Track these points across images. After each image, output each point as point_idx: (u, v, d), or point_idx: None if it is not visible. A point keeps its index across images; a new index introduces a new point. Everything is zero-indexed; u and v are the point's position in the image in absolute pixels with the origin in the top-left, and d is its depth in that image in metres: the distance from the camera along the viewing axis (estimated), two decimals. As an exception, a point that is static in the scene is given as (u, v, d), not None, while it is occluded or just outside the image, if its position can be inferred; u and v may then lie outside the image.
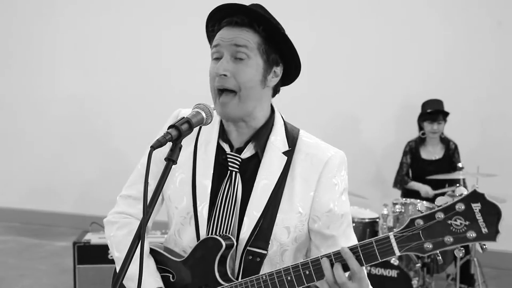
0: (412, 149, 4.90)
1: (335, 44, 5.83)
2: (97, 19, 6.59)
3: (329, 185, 1.58)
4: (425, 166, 4.77)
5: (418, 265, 3.99)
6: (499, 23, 5.39)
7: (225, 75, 1.51)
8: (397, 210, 4.12)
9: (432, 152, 4.82)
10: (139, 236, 1.23)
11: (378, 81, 5.73)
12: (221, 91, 1.53)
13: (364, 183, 5.62)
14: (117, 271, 1.69)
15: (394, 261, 3.84)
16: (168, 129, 1.32)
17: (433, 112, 4.69)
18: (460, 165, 4.36)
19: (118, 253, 1.68)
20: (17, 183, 7.00)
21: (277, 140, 1.60)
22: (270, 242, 1.55)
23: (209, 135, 1.64)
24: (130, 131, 6.40)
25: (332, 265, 1.36)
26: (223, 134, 1.63)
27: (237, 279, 1.55)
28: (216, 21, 1.57)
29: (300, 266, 1.41)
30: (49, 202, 6.86)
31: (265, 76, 1.56)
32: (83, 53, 6.70)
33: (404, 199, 4.31)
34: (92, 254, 3.88)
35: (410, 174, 4.95)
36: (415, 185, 4.80)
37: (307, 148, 1.61)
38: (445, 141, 4.83)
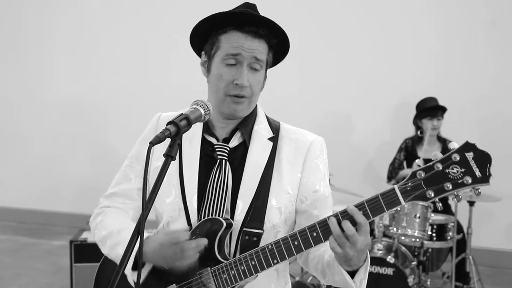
0: (408, 147, 4.92)
1: (328, 43, 5.84)
2: (95, 19, 6.60)
3: (314, 166, 1.67)
4: (421, 164, 4.79)
5: (414, 263, 4.01)
6: (494, 23, 5.42)
7: (247, 86, 1.59)
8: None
9: (428, 150, 4.83)
10: (139, 231, 1.24)
11: (372, 80, 5.75)
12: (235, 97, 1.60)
13: (359, 181, 5.65)
14: (102, 251, 1.68)
15: (390, 259, 3.86)
16: (167, 125, 1.33)
17: (432, 108, 4.72)
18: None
19: (104, 231, 1.68)
20: (14, 182, 6.99)
21: (261, 128, 1.69)
22: (264, 222, 1.60)
23: (192, 129, 1.64)
24: (127, 130, 6.38)
25: (339, 222, 1.42)
26: (207, 129, 1.69)
27: None
28: (233, 24, 1.58)
29: (307, 229, 1.46)
30: (46, 201, 6.86)
31: (264, 81, 1.69)
32: (82, 54, 6.69)
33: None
34: (89, 252, 3.88)
35: (405, 172, 4.98)
36: (404, 172, 4.83)
37: (289, 134, 1.71)
38: (441, 140, 4.85)
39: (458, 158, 1.35)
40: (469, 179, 1.34)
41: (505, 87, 5.45)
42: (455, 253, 4.27)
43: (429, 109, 4.73)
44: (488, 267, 5.26)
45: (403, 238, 4.10)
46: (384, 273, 3.88)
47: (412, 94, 5.23)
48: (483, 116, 5.53)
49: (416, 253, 4.17)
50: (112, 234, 1.65)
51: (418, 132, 4.86)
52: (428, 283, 4.20)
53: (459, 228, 4.50)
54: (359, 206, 1.42)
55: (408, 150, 4.92)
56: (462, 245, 4.46)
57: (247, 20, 1.58)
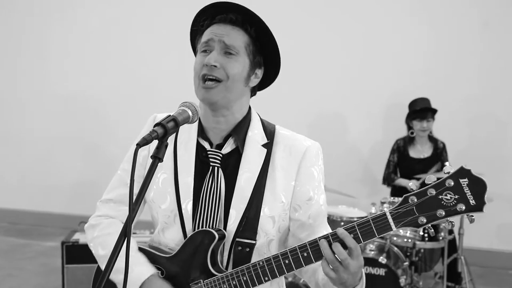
0: (400, 148, 4.92)
1: (320, 43, 5.85)
2: (89, 20, 6.57)
3: (308, 174, 1.63)
4: (413, 164, 4.80)
5: (406, 263, 4.01)
6: (485, 23, 5.44)
7: (215, 65, 1.54)
8: (385, 209, 4.15)
9: (420, 150, 4.85)
10: (125, 233, 1.24)
11: (364, 80, 5.76)
12: (207, 79, 1.56)
13: (352, 182, 5.66)
14: (102, 269, 1.67)
15: (382, 259, 3.87)
16: (154, 127, 1.32)
17: (422, 109, 4.72)
18: (447, 163, 4.39)
19: (103, 251, 1.66)
20: (5, 183, 6.96)
21: (255, 134, 1.65)
22: (257, 232, 1.58)
23: (188, 134, 1.66)
24: (120, 132, 6.38)
25: (330, 244, 1.40)
26: (202, 132, 1.66)
27: (227, 270, 1.57)
28: (208, 16, 1.61)
29: (298, 248, 1.45)
30: (38, 202, 6.83)
31: (249, 75, 1.62)
32: (75, 54, 6.67)
33: (392, 198, 4.34)
34: (80, 253, 3.87)
35: (398, 172, 4.98)
36: (402, 181, 4.83)
37: (284, 140, 1.66)
38: (433, 140, 4.87)
39: (452, 184, 1.32)
40: (462, 207, 1.31)
41: (496, 87, 5.47)
42: (447, 254, 4.28)
43: (419, 110, 4.74)
44: (479, 267, 5.28)
45: (395, 238, 4.11)
46: (376, 274, 3.89)
47: (404, 93, 5.25)
48: (473, 116, 5.55)
49: (408, 254, 4.17)
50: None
51: (409, 133, 4.87)
52: (420, 283, 4.21)
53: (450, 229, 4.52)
54: (350, 230, 1.40)
55: (400, 151, 4.92)
56: (454, 245, 4.48)
57: (216, 11, 1.60)
